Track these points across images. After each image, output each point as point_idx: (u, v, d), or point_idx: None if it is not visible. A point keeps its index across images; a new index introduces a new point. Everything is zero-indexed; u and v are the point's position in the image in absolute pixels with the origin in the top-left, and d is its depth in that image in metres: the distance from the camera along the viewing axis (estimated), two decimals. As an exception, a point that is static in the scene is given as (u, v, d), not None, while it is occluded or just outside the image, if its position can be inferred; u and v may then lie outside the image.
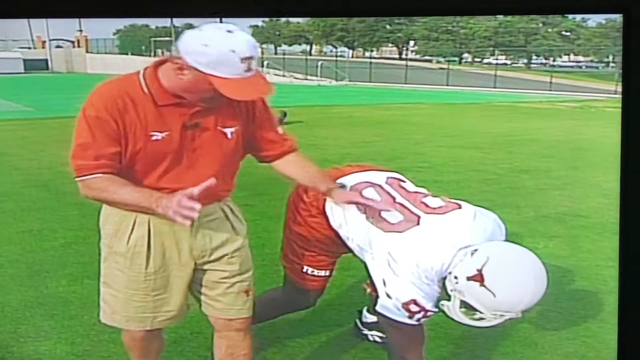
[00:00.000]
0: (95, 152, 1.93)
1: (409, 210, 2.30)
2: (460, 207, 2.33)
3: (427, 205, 2.32)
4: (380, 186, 2.41)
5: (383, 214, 2.30)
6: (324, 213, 2.47)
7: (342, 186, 2.39)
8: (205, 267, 2.22)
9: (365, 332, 3.14)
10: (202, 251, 2.17)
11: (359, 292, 2.53)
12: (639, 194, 1.41)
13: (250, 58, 1.86)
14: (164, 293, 2.19)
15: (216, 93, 1.89)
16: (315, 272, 2.59)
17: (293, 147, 2.29)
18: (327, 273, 2.63)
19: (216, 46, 1.83)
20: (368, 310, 3.03)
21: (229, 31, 1.84)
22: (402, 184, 2.46)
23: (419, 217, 2.27)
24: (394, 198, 2.37)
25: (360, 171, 2.52)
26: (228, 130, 2.08)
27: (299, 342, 3.12)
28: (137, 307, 2.19)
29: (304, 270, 2.59)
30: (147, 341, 2.36)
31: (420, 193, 2.41)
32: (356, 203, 2.32)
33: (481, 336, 3.13)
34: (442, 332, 3.14)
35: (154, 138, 1.97)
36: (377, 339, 3.02)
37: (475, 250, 2.12)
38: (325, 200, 2.44)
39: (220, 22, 1.82)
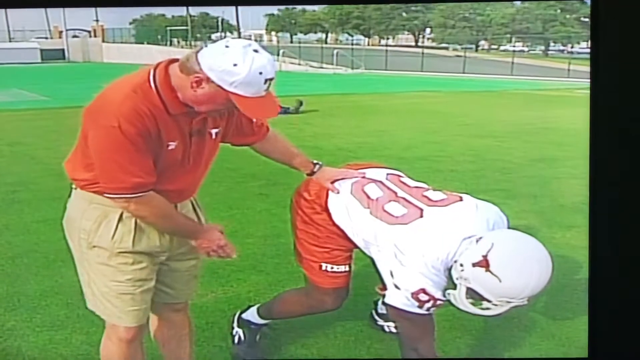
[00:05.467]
0: (142, 167, 1.95)
1: (411, 203, 2.35)
2: (461, 200, 2.37)
3: (429, 199, 2.38)
4: (381, 182, 2.48)
5: (386, 207, 2.35)
6: (327, 209, 2.50)
7: (322, 165, 2.54)
8: (176, 257, 2.28)
9: (381, 323, 3.14)
10: (179, 242, 2.22)
11: (375, 282, 2.51)
12: (606, 181, 1.41)
13: (272, 79, 1.91)
14: (146, 284, 2.20)
15: (226, 107, 1.96)
16: (335, 268, 2.58)
17: (269, 127, 2.42)
18: (347, 268, 2.61)
19: (246, 67, 1.84)
20: (383, 302, 3.02)
21: (256, 51, 1.86)
22: (402, 179, 2.53)
23: (422, 209, 2.32)
24: (395, 193, 2.42)
25: (360, 169, 2.58)
26: (214, 131, 2.14)
27: (314, 333, 3.11)
28: (131, 300, 2.18)
29: (323, 268, 2.58)
30: (141, 335, 2.31)
31: (421, 188, 2.47)
32: (341, 179, 2.50)
33: (498, 328, 3.11)
34: (458, 324, 3.12)
35: (169, 147, 1.99)
36: (393, 330, 3.01)
37: (480, 238, 2.15)
38: (327, 196, 2.50)
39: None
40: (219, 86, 1.87)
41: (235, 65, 1.83)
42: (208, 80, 1.87)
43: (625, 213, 1.83)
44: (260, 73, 1.85)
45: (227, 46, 1.86)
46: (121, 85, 1.95)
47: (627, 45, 1.38)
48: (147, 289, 2.21)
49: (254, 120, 2.33)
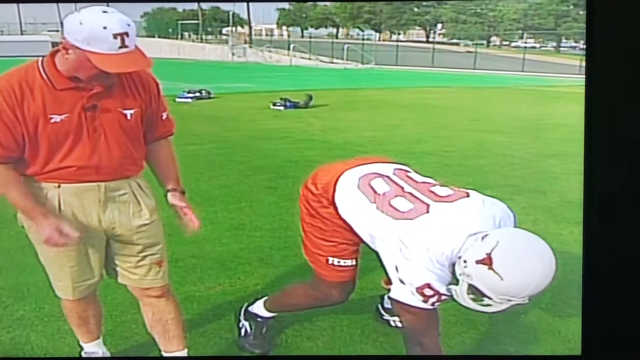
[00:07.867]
0: None
1: (418, 199, 2.34)
2: (468, 196, 2.36)
3: (435, 194, 2.36)
4: (388, 177, 2.47)
5: (393, 202, 2.35)
6: (334, 203, 2.50)
7: (183, 192, 2.47)
8: (116, 239, 2.36)
9: (387, 317, 3.14)
10: (111, 223, 2.31)
11: (381, 277, 2.52)
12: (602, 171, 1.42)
13: (123, 34, 2.01)
14: (80, 264, 2.36)
15: (100, 70, 2.03)
16: (342, 262, 2.59)
17: (173, 130, 2.48)
18: (354, 262, 2.62)
19: (89, 23, 1.98)
20: (389, 297, 3.03)
21: (104, 11, 2.01)
22: (409, 174, 2.52)
23: (428, 205, 2.31)
24: (402, 188, 2.42)
25: (368, 163, 2.57)
26: (128, 112, 2.23)
27: (320, 326, 3.12)
28: (58, 277, 2.40)
29: (330, 262, 2.59)
30: (80, 308, 2.53)
31: (427, 183, 2.46)
32: (179, 206, 2.45)
33: (503, 323, 3.11)
34: (464, 319, 3.12)
35: (52, 120, 2.11)
36: (399, 325, 3.01)
37: (486, 235, 2.14)
38: (334, 190, 2.49)
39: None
40: (77, 48, 2.00)
41: (80, 23, 1.98)
42: (69, 44, 2.02)
43: (619, 211, 1.83)
44: (105, 28, 1.97)
45: (79, 11, 2.01)
46: (20, 65, 2.14)
47: (624, 42, 1.38)
48: (80, 269, 2.36)
49: (163, 115, 2.40)
